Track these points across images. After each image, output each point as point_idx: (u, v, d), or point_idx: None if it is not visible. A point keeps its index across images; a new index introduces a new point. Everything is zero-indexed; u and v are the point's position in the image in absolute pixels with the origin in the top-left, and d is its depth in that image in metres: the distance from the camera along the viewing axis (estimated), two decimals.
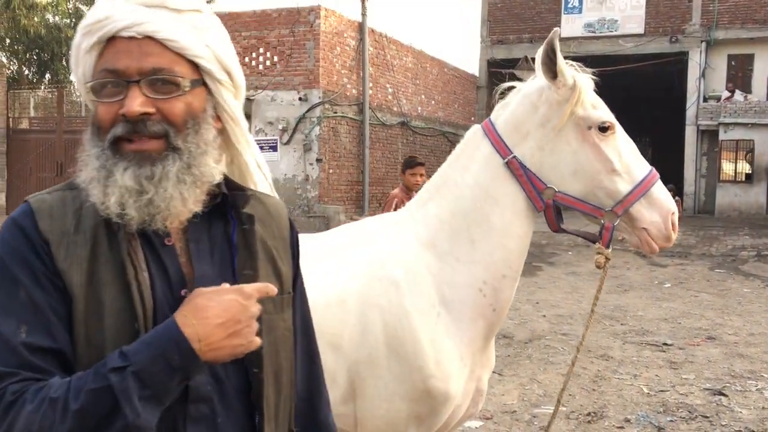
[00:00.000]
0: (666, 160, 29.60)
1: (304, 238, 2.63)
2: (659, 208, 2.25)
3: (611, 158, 2.24)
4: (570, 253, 14.14)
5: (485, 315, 2.28)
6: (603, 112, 2.29)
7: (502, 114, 2.38)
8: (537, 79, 2.37)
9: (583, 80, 2.29)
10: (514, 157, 2.27)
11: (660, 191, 2.28)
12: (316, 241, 2.55)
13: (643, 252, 2.33)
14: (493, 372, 5.91)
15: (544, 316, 8.35)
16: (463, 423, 2.58)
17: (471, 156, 2.36)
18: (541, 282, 10.74)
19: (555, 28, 2.31)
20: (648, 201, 2.25)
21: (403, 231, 2.34)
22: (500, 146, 2.30)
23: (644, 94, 30.79)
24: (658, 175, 2.28)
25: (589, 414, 5.08)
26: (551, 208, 2.31)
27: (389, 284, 2.23)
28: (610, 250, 2.34)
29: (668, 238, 2.28)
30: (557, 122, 2.25)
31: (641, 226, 2.26)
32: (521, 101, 2.35)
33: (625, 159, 2.26)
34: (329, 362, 2.23)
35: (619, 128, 2.30)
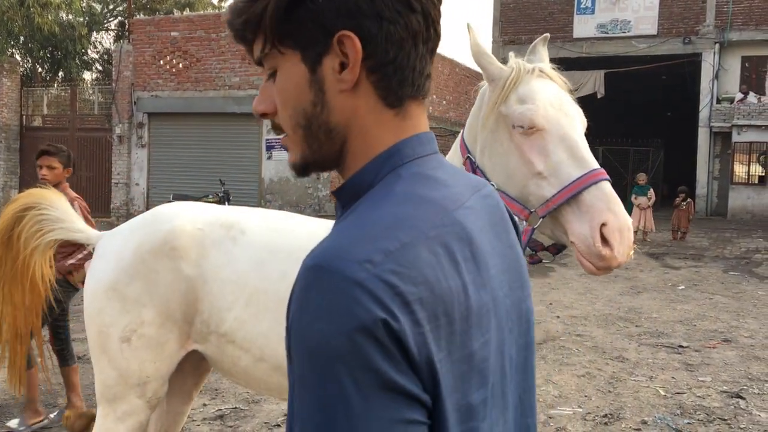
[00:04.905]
0: (678, 162, 29.50)
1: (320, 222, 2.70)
2: (589, 218, 1.85)
3: (533, 160, 1.97)
4: None
5: None
6: (524, 108, 1.99)
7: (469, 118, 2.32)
8: None
9: (516, 72, 2.06)
10: (467, 158, 2.18)
11: (595, 195, 1.87)
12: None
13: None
14: None
15: (558, 317, 8.31)
16: None
17: (451, 159, 2.32)
18: (554, 283, 10.70)
19: (467, 23, 2.21)
20: (578, 207, 1.88)
21: None
22: (462, 150, 2.22)
23: (657, 96, 30.68)
24: (600, 177, 1.90)
25: (605, 415, 5.05)
26: None
27: None
28: (524, 252, 2.09)
29: (599, 256, 1.82)
30: (483, 121, 2.12)
31: (570, 239, 1.91)
32: (476, 103, 2.26)
33: (554, 159, 1.94)
34: None
35: (553, 125, 1.98)
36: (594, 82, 24.68)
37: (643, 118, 32.82)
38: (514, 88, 2.04)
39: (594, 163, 1.93)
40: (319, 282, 0.85)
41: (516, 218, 1.56)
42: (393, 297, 0.83)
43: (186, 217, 2.63)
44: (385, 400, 0.82)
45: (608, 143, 27.42)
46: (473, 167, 2.14)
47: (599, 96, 24.74)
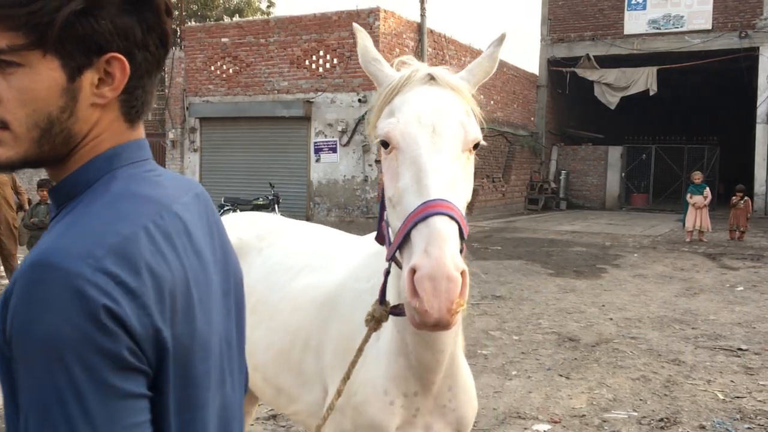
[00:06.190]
0: (735, 160, 28.65)
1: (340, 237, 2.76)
2: (409, 260, 1.50)
3: (387, 184, 1.68)
4: (635, 255, 13.80)
5: (406, 354, 1.94)
6: (386, 123, 1.68)
7: None
8: None
9: (397, 80, 1.76)
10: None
11: (419, 233, 1.49)
12: (338, 244, 2.63)
13: None
14: (560, 375, 5.86)
15: (611, 319, 8.16)
16: None
17: None
18: (606, 284, 10.51)
19: (354, 24, 1.99)
20: (408, 247, 1.53)
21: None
22: None
23: (712, 92, 29.88)
24: (431, 210, 1.51)
25: (661, 420, 4.94)
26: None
27: (354, 295, 2.16)
28: (382, 306, 1.75)
29: (411, 307, 1.47)
30: (370, 138, 1.88)
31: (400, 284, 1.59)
32: None
33: (401, 185, 1.61)
34: (311, 365, 2.27)
35: (408, 143, 1.63)
36: (646, 79, 24.16)
37: (697, 115, 31.98)
38: (389, 100, 1.74)
39: (436, 192, 1.54)
40: (43, 278, 0.90)
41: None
42: (115, 286, 0.92)
43: (236, 227, 2.84)
44: (113, 377, 0.91)
45: (662, 141, 26.83)
46: (383, 189, 1.83)
47: (651, 93, 24.22)
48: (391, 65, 1.88)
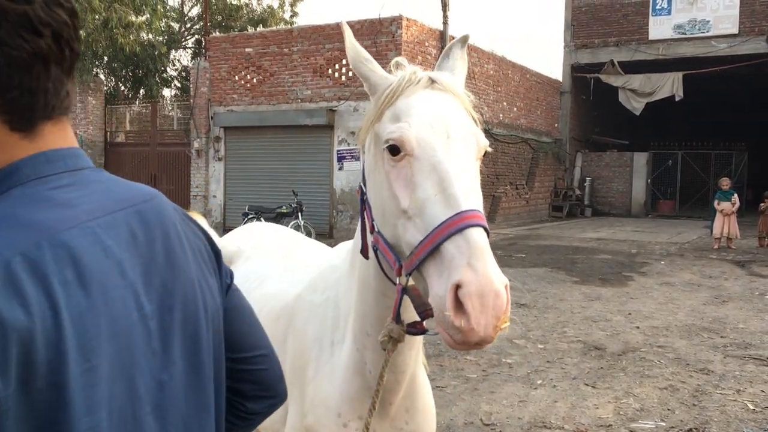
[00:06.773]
0: (764, 165, 28.21)
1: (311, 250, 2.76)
2: (446, 276, 1.39)
3: (399, 194, 1.53)
4: (662, 262, 13.63)
5: (363, 373, 1.88)
6: (395, 127, 1.55)
7: None
8: None
9: (397, 82, 1.64)
10: (359, 186, 1.81)
11: (457, 246, 1.39)
12: (308, 256, 2.64)
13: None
14: (586, 384, 5.80)
15: (638, 327, 8.06)
16: None
17: None
18: (633, 292, 10.39)
19: (341, 21, 1.90)
20: (441, 260, 1.42)
21: (348, 259, 2.06)
22: (363, 176, 1.78)
23: (739, 97, 29.49)
24: (467, 222, 1.42)
25: (690, 430, 4.86)
26: (378, 253, 1.70)
27: (308, 309, 2.11)
28: (399, 325, 1.64)
29: (452, 327, 1.36)
30: (360, 143, 1.78)
31: (429, 301, 1.46)
32: None
33: (420, 195, 1.49)
34: None
35: (424, 150, 1.52)
36: (672, 84, 23.92)
37: (724, 120, 31.57)
38: (391, 103, 1.63)
39: (466, 202, 1.45)
40: None
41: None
42: None
43: (240, 236, 2.95)
44: None
45: (688, 147, 26.52)
46: (362, 197, 1.76)
47: (677, 99, 23.97)
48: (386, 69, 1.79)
